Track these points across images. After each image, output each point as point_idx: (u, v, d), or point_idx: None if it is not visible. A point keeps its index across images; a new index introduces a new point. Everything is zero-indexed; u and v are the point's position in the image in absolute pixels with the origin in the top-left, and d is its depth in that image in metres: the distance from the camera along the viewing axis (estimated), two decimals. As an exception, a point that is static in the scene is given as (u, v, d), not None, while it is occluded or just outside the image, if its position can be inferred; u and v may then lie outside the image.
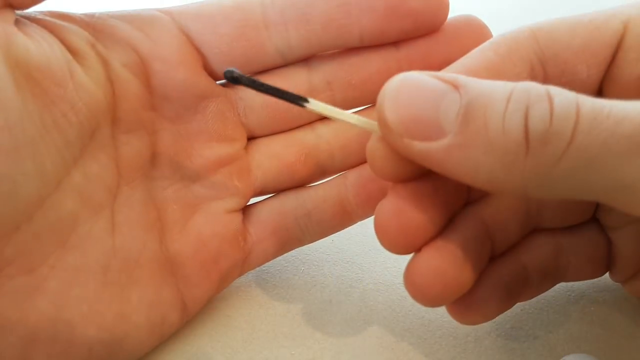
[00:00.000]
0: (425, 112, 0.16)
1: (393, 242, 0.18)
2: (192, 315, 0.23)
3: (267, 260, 0.25)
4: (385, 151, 0.18)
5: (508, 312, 0.22)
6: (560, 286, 0.24)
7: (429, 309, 0.24)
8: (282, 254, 0.25)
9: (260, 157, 0.24)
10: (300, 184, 0.24)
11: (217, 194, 0.23)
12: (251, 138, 0.24)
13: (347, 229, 0.25)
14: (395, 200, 0.18)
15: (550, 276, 0.22)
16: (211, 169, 0.23)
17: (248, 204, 0.24)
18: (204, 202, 0.23)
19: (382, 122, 0.17)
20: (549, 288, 0.22)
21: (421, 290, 0.18)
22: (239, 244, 0.23)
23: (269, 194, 0.25)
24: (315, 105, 0.18)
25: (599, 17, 0.19)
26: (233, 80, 0.18)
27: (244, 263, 0.24)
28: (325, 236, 0.25)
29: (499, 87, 0.16)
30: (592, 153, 0.14)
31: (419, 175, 0.18)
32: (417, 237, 0.18)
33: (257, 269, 0.25)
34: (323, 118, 0.24)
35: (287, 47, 0.23)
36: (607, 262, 0.22)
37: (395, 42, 0.23)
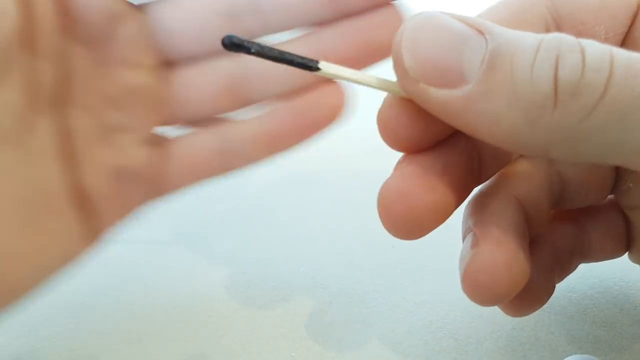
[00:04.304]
0: (447, 57, 0.15)
1: (398, 227, 0.17)
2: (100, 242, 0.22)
3: (184, 188, 0.23)
4: (397, 115, 0.17)
5: (510, 314, 0.22)
6: (562, 287, 0.24)
7: (430, 311, 0.23)
8: (201, 183, 0.23)
9: (179, 86, 0.22)
10: (223, 116, 0.23)
11: (128, 125, 0.22)
12: (170, 66, 0.22)
13: (348, 229, 0.24)
14: (400, 179, 0.17)
15: (575, 255, 0.21)
16: (121, 98, 0.21)
17: (169, 135, 0.23)
18: (114, 133, 0.22)
19: (398, 64, 0.16)
20: (574, 269, 0.22)
21: (489, 288, 0.17)
22: (151, 175, 0.22)
23: (189, 125, 0.23)
24: (328, 68, 0.17)
25: None
26: (233, 47, 0.16)
27: (158, 192, 0.23)
28: (248, 167, 0.23)
29: (529, 36, 0.15)
30: (625, 108, 0.14)
31: (428, 148, 0.18)
32: (424, 220, 0.17)
33: (256, 271, 0.25)
34: None
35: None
36: (627, 241, 0.22)
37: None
